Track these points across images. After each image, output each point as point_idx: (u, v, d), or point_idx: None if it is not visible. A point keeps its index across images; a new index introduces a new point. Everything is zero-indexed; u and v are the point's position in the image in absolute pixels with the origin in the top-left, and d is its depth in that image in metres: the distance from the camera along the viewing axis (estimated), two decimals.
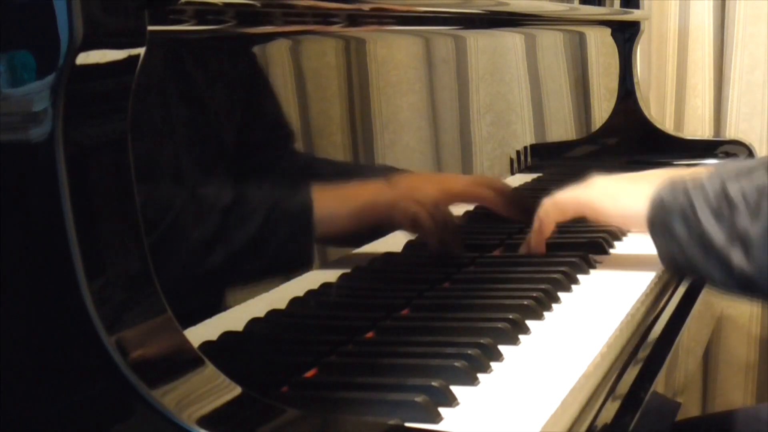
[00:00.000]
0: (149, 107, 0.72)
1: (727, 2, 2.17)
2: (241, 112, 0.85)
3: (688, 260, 1.05)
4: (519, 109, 1.46)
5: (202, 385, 0.64)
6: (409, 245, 1.10)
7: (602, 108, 1.86)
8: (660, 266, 1.21)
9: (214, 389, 0.64)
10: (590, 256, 1.24)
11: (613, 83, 1.92)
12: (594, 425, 0.83)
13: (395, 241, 1.08)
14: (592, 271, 1.21)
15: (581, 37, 1.74)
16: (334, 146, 0.97)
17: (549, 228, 1.22)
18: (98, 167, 0.62)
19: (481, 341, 0.89)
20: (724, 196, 1.01)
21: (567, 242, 1.29)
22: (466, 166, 1.29)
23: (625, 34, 1.95)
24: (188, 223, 0.75)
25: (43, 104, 0.59)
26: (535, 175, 1.50)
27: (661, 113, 2.19)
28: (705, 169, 1.11)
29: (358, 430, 0.70)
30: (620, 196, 1.16)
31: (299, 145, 0.92)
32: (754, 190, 1.00)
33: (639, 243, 1.36)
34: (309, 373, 0.86)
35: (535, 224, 1.23)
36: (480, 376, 0.84)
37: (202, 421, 0.61)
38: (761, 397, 2.19)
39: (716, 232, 1.00)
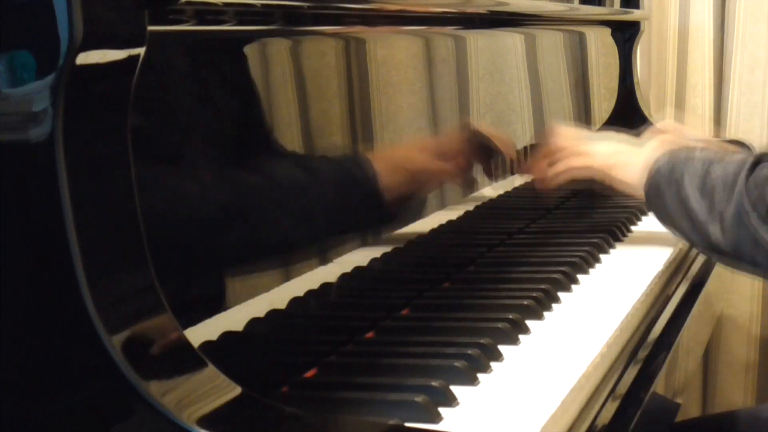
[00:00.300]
0: (149, 106, 0.72)
1: (727, 2, 2.16)
2: (241, 111, 0.85)
3: (676, 226, 1.16)
4: (519, 109, 1.46)
5: (202, 385, 0.64)
6: (409, 244, 1.10)
7: (602, 108, 1.86)
8: (660, 266, 1.22)
9: (214, 389, 0.64)
10: (590, 255, 1.24)
11: (613, 83, 1.92)
12: (594, 425, 0.83)
13: (395, 241, 1.08)
14: (591, 270, 1.21)
15: (581, 37, 1.74)
16: (334, 146, 0.97)
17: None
18: (98, 167, 0.62)
19: (481, 341, 0.89)
20: (707, 176, 1.11)
21: (568, 241, 1.29)
22: None
23: (625, 34, 1.95)
24: (188, 222, 0.75)
25: (43, 104, 0.59)
26: None
27: (661, 113, 2.19)
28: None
29: (358, 430, 0.70)
30: (627, 165, 1.23)
31: (298, 145, 0.91)
32: (730, 174, 1.09)
33: (639, 243, 1.36)
34: (309, 373, 0.86)
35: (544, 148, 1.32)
36: (480, 376, 0.84)
37: (202, 421, 0.61)
38: (761, 398, 2.19)
39: (699, 208, 1.11)
